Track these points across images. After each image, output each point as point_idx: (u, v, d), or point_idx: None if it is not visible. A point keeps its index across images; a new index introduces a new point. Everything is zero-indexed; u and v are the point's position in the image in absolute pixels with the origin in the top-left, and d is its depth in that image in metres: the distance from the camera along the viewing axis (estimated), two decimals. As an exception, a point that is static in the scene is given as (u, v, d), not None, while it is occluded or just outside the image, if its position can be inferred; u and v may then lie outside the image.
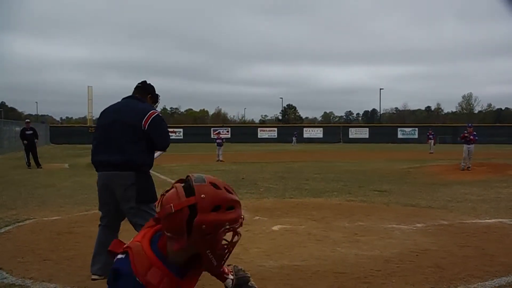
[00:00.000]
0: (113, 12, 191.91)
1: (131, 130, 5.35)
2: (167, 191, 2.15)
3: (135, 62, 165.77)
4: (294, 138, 62.69)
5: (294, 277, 5.68)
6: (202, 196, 2.11)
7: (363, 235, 7.96)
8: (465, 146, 21.24)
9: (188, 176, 2.23)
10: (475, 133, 21.83)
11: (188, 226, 2.02)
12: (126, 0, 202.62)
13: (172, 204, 2.04)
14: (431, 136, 39.61)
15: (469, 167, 20.70)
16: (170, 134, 5.84)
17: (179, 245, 2.07)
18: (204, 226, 2.05)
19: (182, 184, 2.16)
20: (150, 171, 5.58)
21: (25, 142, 23.94)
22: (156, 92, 5.90)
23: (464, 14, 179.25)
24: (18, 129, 40.74)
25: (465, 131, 21.79)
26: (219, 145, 29.69)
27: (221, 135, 31.63)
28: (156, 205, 2.64)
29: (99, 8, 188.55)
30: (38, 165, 23.45)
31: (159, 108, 5.82)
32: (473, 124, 24.75)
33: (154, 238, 2.19)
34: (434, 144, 38.86)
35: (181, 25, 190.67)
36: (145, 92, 5.77)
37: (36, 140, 24.29)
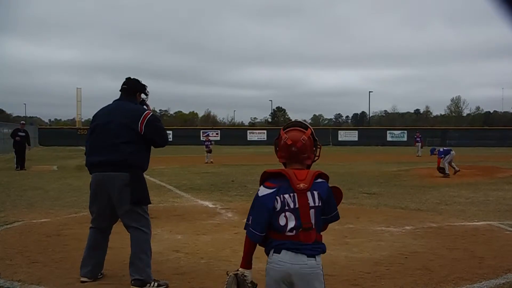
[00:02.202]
0: (104, 15, 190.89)
1: (126, 131, 5.34)
2: (277, 139, 3.37)
3: (125, 64, 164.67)
4: None
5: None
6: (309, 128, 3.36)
7: (353, 238, 7.98)
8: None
9: (295, 120, 3.49)
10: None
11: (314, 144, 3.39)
12: (116, 2, 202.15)
13: (302, 138, 3.27)
14: (418, 139, 39.71)
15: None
16: (165, 130, 5.83)
17: (310, 160, 3.42)
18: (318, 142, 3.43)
19: (295, 128, 3.35)
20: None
21: (17, 138, 23.83)
22: (142, 83, 5.82)
23: (452, 18, 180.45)
24: (6, 131, 40.58)
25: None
26: (207, 147, 29.67)
27: (210, 138, 31.62)
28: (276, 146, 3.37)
29: (89, 10, 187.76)
30: (22, 167, 23.29)
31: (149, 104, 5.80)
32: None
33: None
34: (421, 147, 38.95)
35: (172, 28, 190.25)
36: (132, 92, 5.71)
37: (28, 147, 24.17)
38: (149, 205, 5.60)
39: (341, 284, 5.55)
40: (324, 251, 3.29)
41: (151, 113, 5.51)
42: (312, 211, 3.20)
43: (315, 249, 3.19)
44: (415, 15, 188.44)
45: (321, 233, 3.38)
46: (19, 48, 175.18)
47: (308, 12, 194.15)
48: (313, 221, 3.21)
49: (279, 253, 3.18)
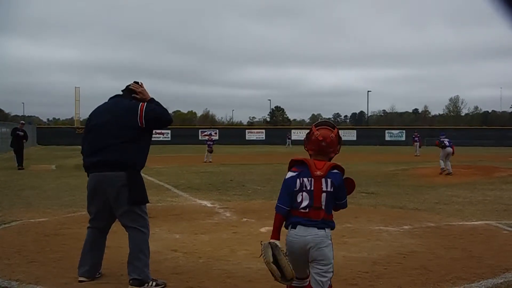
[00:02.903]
0: (103, 14, 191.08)
1: (123, 130, 5.33)
2: (308, 133, 4.28)
3: (124, 64, 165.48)
4: (288, 140, 62.74)
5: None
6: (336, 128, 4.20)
7: (351, 237, 7.97)
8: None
9: (325, 120, 4.50)
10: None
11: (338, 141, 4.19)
12: (116, 2, 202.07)
13: (331, 135, 4.12)
14: (416, 139, 39.65)
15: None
16: (165, 109, 5.81)
17: (334, 154, 4.21)
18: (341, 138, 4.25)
19: (325, 126, 4.21)
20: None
21: (18, 133, 23.82)
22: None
23: (451, 18, 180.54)
24: (4, 130, 40.52)
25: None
26: (210, 147, 29.65)
27: (212, 138, 31.65)
28: (306, 141, 4.27)
29: (89, 10, 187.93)
30: (20, 165, 23.29)
31: None
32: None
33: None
34: (420, 147, 38.94)
35: (171, 28, 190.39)
36: (131, 91, 5.73)
37: (24, 141, 24.16)
38: (147, 205, 5.60)
39: (339, 283, 5.54)
40: (333, 228, 4.07)
41: (145, 104, 5.49)
42: (324, 195, 3.97)
43: (324, 224, 3.98)
44: (414, 15, 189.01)
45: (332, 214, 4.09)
46: (18, 47, 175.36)
47: (307, 12, 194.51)
48: (323, 203, 3.96)
49: (295, 228, 3.97)
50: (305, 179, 3.99)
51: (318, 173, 3.98)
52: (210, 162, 28.39)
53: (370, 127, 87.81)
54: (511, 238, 8.13)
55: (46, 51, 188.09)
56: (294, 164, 4.13)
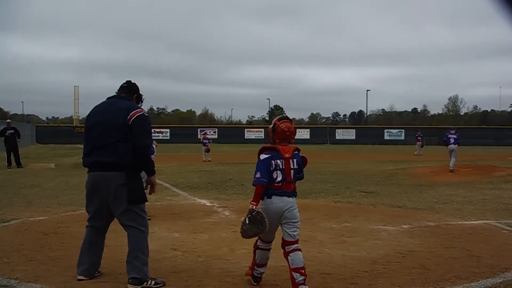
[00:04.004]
0: (103, 14, 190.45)
1: (119, 130, 5.34)
2: (272, 127, 5.38)
3: (124, 63, 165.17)
4: None
5: (281, 278, 5.68)
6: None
7: (350, 236, 7.99)
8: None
9: (284, 115, 5.61)
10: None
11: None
12: (116, 2, 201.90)
13: (291, 126, 5.35)
14: (419, 138, 39.43)
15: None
16: (151, 135, 5.79)
17: (293, 139, 5.41)
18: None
19: (286, 120, 5.42)
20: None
21: (7, 134, 23.69)
22: (140, 92, 5.90)
23: (451, 18, 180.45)
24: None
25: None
26: (205, 145, 29.64)
27: (207, 136, 31.58)
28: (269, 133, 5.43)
29: (88, 9, 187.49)
30: (18, 164, 23.24)
31: (144, 108, 5.79)
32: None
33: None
34: (422, 146, 38.89)
35: (170, 27, 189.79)
36: (131, 92, 5.78)
37: (18, 140, 24.08)
38: (146, 204, 5.61)
39: (338, 282, 5.55)
40: (296, 195, 5.42)
41: (143, 112, 5.51)
42: (292, 171, 5.30)
43: (292, 193, 5.33)
44: (413, 15, 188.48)
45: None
46: (18, 46, 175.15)
47: (306, 12, 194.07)
48: (292, 178, 5.31)
49: (271, 198, 5.21)
50: (278, 161, 5.21)
51: (287, 155, 5.27)
52: (209, 161, 28.39)
53: (369, 126, 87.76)
54: (510, 237, 8.14)
55: (46, 50, 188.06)
56: (265, 149, 5.33)
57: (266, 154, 5.25)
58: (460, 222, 9.38)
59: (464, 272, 5.91)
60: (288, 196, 5.24)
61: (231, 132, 75.43)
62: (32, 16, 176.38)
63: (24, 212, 10.19)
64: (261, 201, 5.22)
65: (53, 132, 71.00)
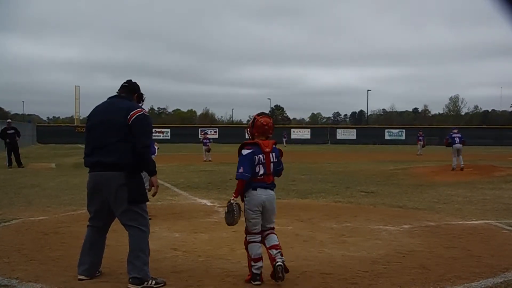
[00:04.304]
0: (103, 14, 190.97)
1: (120, 130, 5.34)
2: (252, 122, 5.77)
3: (125, 63, 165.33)
4: (284, 139, 62.77)
5: (281, 278, 5.68)
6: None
7: (350, 236, 7.98)
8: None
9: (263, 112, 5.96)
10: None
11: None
12: (116, 2, 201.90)
13: (270, 121, 5.72)
14: (421, 138, 39.39)
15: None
16: (152, 135, 5.77)
17: (271, 134, 5.72)
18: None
19: (265, 115, 5.80)
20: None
21: (7, 141, 23.72)
22: (141, 92, 5.89)
23: (451, 18, 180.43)
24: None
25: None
26: (206, 145, 29.66)
27: (207, 136, 31.58)
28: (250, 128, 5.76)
29: (89, 9, 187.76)
30: (19, 164, 23.24)
31: (145, 107, 5.79)
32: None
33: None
34: (423, 146, 38.86)
35: (171, 27, 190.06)
36: (131, 91, 5.77)
37: (17, 138, 24.07)
38: (147, 204, 5.61)
39: (338, 282, 5.55)
40: (275, 187, 5.78)
41: (143, 111, 5.50)
42: (271, 165, 5.64)
43: (272, 185, 5.71)
44: (413, 15, 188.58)
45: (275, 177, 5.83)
46: (19, 46, 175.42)
47: (306, 12, 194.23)
48: (271, 171, 5.66)
49: (256, 190, 5.56)
50: (260, 155, 5.53)
51: (267, 149, 5.59)
52: (210, 161, 28.40)
53: (370, 126, 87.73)
54: (511, 237, 8.14)
55: (47, 50, 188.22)
56: (246, 144, 5.63)
57: (248, 149, 5.56)
58: (460, 222, 9.37)
59: (465, 272, 5.90)
60: (271, 189, 5.67)
61: (232, 132, 75.24)
62: (32, 16, 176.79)
63: (24, 212, 10.20)
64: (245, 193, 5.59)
65: (53, 132, 71.08)
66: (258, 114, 5.78)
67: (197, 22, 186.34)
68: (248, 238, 5.62)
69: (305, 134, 75.89)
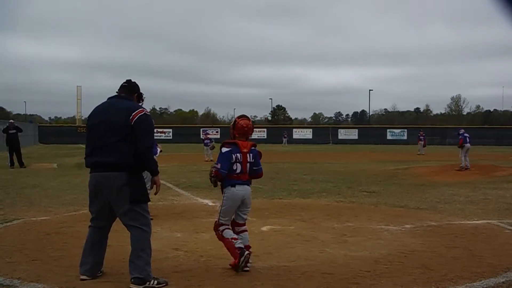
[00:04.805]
0: (104, 14, 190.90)
1: (120, 130, 5.34)
2: (233, 124, 6.22)
3: (126, 63, 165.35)
4: (284, 139, 62.71)
5: (282, 278, 5.68)
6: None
7: (352, 236, 7.98)
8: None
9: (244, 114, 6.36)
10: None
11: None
12: (117, 2, 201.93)
13: (249, 123, 6.20)
14: (422, 138, 39.37)
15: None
16: (154, 136, 5.76)
17: (251, 135, 6.23)
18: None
19: (245, 118, 6.24)
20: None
21: (9, 138, 23.78)
22: (140, 91, 5.89)
23: (452, 18, 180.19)
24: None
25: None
26: (207, 145, 29.67)
27: (209, 136, 31.60)
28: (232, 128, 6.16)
29: (90, 9, 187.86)
30: (21, 164, 23.21)
31: (146, 107, 5.78)
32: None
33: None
34: (424, 146, 38.83)
35: (172, 27, 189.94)
36: (131, 91, 5.77)
37: (19, 131, 24.11)
38: (148, 204, 5.61)
39: (339, 282, 5.55)
40: (251, 183, 6.24)
41: (145, 111, 5.51)
42: (248, 164, 6.06)
43: (248, 182, 6.15)
44: (415, 15, 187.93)
45: (252, 177, 6.26)
46: (20, 46, 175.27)
47: (307, 12, 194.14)
48: (247, 169, 6.07)
49: (234, 186, 6.00)
50: (237, 154, 5.99)
51: (245, 150, 6.03)
52: (211, 160, 28.35)
53: (372, 126, 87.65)
54: (512, 237, 8.13)
55: (48, 50, 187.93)
56: (226, 143, 6.11)
57: (227, 147, 6.04)
58: (462, 222, 9.37)
59: (466, 272, 5.90)
60: (247, 185, 6.12)
61: (234, 132, 75.33)
62: (33, 16, 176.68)
63: (26, 212, 10.21)
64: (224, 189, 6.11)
65: (55, 132, 71.13)
66: (239, 117, 6.27)
67: (198, 22, 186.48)
68: (220, 229, 6.08)
69: (307, 134, 75.85)
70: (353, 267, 6.12)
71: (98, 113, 5.60)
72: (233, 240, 5.91)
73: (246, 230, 6.17)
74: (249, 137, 6.23)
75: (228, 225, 6.09)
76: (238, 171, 5.99)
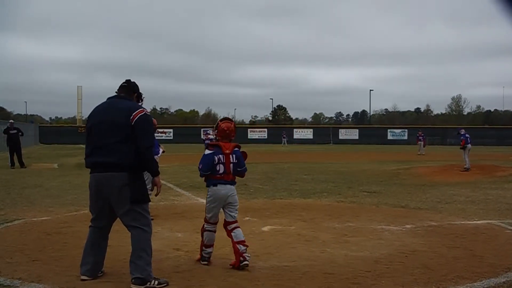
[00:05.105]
0: (105, 14, 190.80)
1: (120, 130, 5.33)
2: (216, 126, 6.45)
3: (126, 62, 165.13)
4: (284, 139, 62.70)
5: (283, 278, 5.68)
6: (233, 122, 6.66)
7: (353, 236, 7.98)
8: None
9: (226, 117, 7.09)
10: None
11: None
12: (117, 2, 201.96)
13: (231, 125, 6.43)
14: (421, 138, 39.39)
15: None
16: (154, 136, 5.76)
17: (233, 137, 6.45)
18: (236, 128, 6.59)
19: (227, 120, 6.58)
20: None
21: (9, 139, 23.76)
22: (140, 91, 5.88)
23: (453, 18, 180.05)
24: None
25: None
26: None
27: (209, 136, 31.56)
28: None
29: (90, 9, 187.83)
30: (22, 165, 23.23)
31: (145, 107, 5.78)
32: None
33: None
34: (424, 146, 38.82)
35: (172, 27, 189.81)
36: (130, 91, 5.76)
37: (20, 134, 24.16)
38: (149, 204, 5.61)
39: (340, 282, 5.55)
40: (235, 184, 6.41)
41: (145, 111, 5.51)
42: (231, 165, 6.27)
43: (232, 182, 6.32)
44: (415, 15, 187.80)
45: (237, 177, 6.46)
46: (20, 46, 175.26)
47: (308, 12, 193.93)
48: (231, 170, 6.27)
49: (216, 186, 6.22)
50: (220, 156, 6.22)
51: (227, 151, 6.27)
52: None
53: (372, 126, 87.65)
54: (513, 237, 8.13)
55: (48, 50, 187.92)
56: (209, 146, 6.40)
57: (210, 150, 6.33)
58: (463, 222, 9.37)
59: (467, 272, 5.90)
60: (230, 184, 6.30)
61: (234, 132, 75.28)
62: (33, 16, 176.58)
63: (27, 212, 10.21)
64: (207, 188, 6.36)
65: (56, 132, 71.19)
66: (221, 120, 6.60)
67: (198, 22, 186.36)
68: (205, 226, 6.38)
69: (308, 134, 75.88)
70: (354, 267, 6.11)
71: (98, 113, 5.59)
72: (203, 247, 6.34)
73: (237, 227, 6.31)
74: (232, 139, 6.48)
75: (214, 224, 6.38)
76: (221, 171, 6.23)
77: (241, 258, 6.04)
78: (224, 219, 6.32)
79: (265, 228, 8.60)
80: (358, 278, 5.68)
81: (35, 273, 5.77)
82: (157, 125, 9.71)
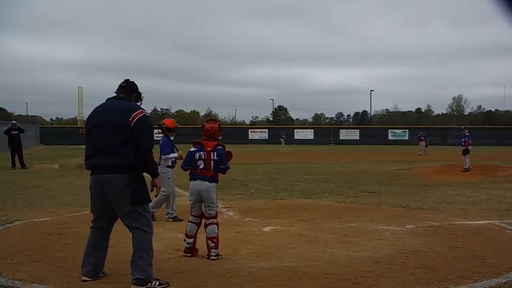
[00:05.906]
0: (106, 14, 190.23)
1: (120, 131, 5.33)
2: (202, 126, 7.06)
3: (127, 63, 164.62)
4: (282, 139, 62.68)
5: (284, 278, 5.68)
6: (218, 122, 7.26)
7: (354, 236, 7.98)
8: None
9: (211, 117, 8.73)
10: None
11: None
12: (118, 2, 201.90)
13: (215, 126, 7.02)
14: (422, 138, 39.33)
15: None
16: (154, 137, 5.74)
17: (218, 136, 7.03)
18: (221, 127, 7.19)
19: (212, 121, 7.16)
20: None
21: (11, 139, 23.76)
22: (139, 91, 5.87)
23: (454, 18, 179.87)
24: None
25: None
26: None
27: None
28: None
29: (91, 9, 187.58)
30: (23, 165, 23.23)
31: (145, 108, 5.78)
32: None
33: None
34: (426, 146, 38.78)
35: (173, 27, 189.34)
36: (130, 91, 5.75)
37: (21, 133, 24.21)
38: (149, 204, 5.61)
39: (341, 282, 5.55)
40: (217, 181, 6.89)
41: (145, 112, 5.51)
42: (212, 162, 6.73)
43: (211, 179, 6.74)
44: (415, 15, 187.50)
45: (218, 175, 6.91)
46: (21, 46, 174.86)
47: (309, 12, 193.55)
48: (212, 167, 6.72)
49: (196, 180, 6.75)
50: (201, 152, 6.75)
51: (208, 149, 6.74)
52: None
53: (373, 127, 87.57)
54: (514, 237, 8.12)
55: (48, 50, 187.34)
56: (194, 143, 6.90)
57: (194, 147, 6.85)
58: (464, 222, 9.36)
59: (468, 272, 5.90)
60: (209, 181, 6.73)
61: (235, 133, 75.15)
62: (33, 16, 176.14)
63: (28, 212, 10.22)
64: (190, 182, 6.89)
65: (57, 133, 71.08)
66: (206, 120, 7.19)
67: (198, 22, 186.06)
68: (189, 218, 6.93)
69: (308, 134, 75.76)
70: (355, 267, 6.12)
71: (98, 114, 5.59)
72: (185, 237, 6.85)
73: (213, 223, 6.73)
74: (217, 138, 7.00)
75: (196, 217, 6.87)
76: (201, 167, 6.72)
77: (208, 252, 6.59)
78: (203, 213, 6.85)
79: (266, 229, 8.60)
80: (359, 278, 5.69)
81: (36, 274, 5.78)
82: (177, 126, 9.87)
